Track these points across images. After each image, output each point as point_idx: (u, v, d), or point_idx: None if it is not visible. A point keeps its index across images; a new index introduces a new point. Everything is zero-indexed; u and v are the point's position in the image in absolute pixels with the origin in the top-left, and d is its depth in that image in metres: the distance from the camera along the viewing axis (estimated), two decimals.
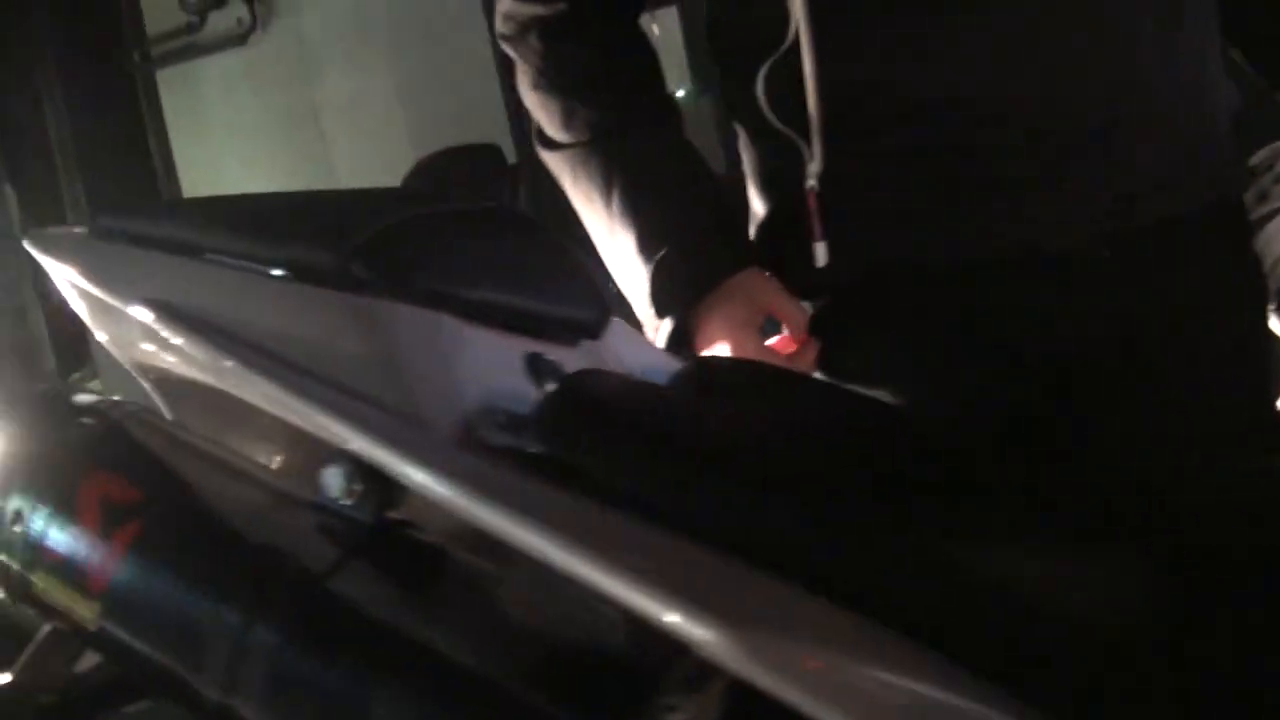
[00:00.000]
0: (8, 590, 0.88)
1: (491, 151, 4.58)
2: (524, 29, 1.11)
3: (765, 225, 1.15)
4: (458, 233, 0.90)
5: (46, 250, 1.04)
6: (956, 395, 1.05)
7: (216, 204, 1.03)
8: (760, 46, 1.07)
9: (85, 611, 0.83)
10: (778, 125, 1.09)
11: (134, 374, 1.05)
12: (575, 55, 1.10)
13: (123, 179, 4.65)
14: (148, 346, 0.92)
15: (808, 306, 1.12)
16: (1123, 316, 1.06)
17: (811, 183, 1.05)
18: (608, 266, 1.14)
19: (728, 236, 1.10)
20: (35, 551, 0.86)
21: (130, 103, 4.69)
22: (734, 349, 1.06)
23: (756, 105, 1.09)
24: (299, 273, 0.85)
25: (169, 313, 0.87)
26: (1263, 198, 1.15)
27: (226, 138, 4.98)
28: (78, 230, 1.06)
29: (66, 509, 0.85)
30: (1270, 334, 1.14)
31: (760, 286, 1.08)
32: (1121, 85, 1.03)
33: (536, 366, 0.90)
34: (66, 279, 1.01)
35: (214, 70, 4.91)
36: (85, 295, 1.01)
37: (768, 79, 1.08)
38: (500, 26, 1.16)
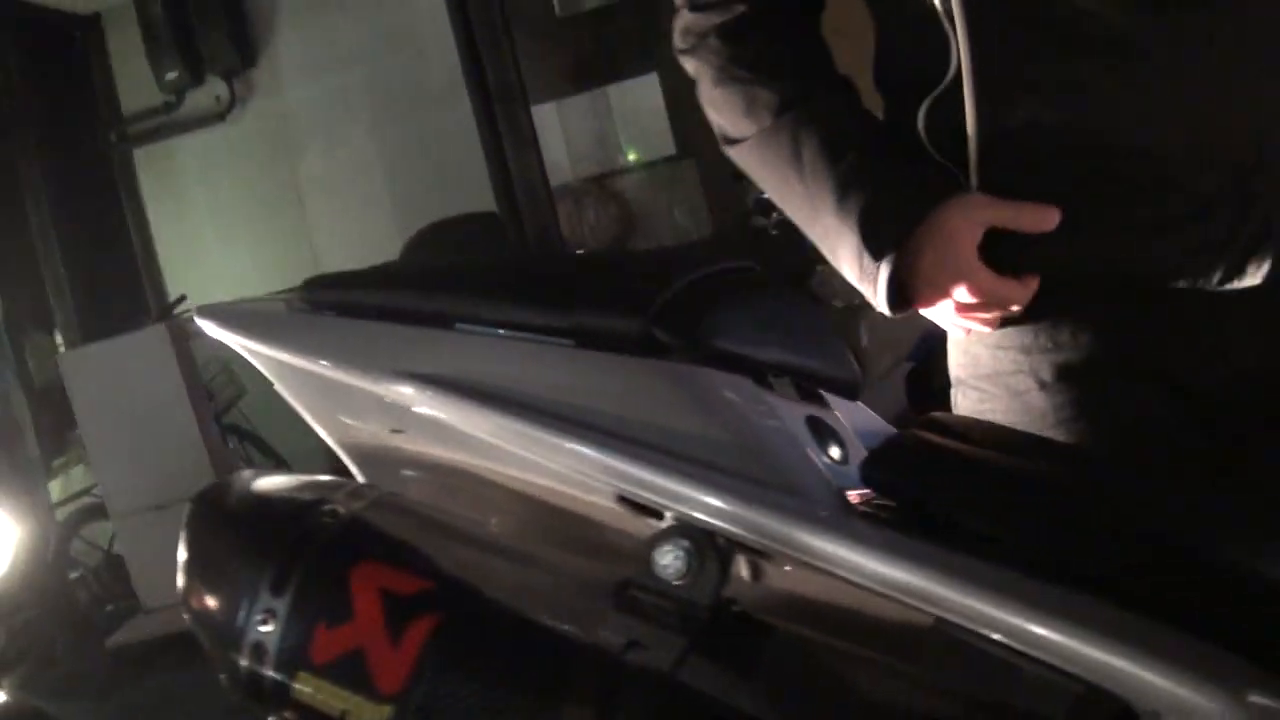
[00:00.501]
0: (259, 700, 0.79)
1: (491, 219, 4.54)
2: (703, 36, 1.14)
3: None
4: (736, 293, 0.85)
5: (232, 326, 0.96)
6: (1116, 413, 1.05)
7: (441, 271, 0.96)
8: (923, 83, 1.06)
9: (372, 715, 0.75)
10: (937, 158, 1.08)
11: (343, 454, 0.98)
12: (754, 47, 1.12)
13: (103, 259, 4.52)
14: (410, 422, 0.85)
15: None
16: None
17: None
18: (814, 243, 1.12)
19: (925, 170, 1.06)
20: (298, 654, 0.77)
21: (107, 182, 4.58)
22: (963, 277, 1.02)
23: (918, 138, 1.08)
24: (588, 339, 0.79)
25: (446, 386, 0.80)
26: None
27: (206, 216, 4.87)
28: (268, 304, 0.98)
29: (339, 606, 0.77)
30: None
31: (974, 202, 1.02)
32: (1264, 133, 1.02)
33: (818, 429, 0.85)
34: (272, 354, 0.94)
35: (193, 148, 4.82)
36: (293, 371, 0.93)
37: (929, 114, 1.06)
38: (679, 42, 1.18)
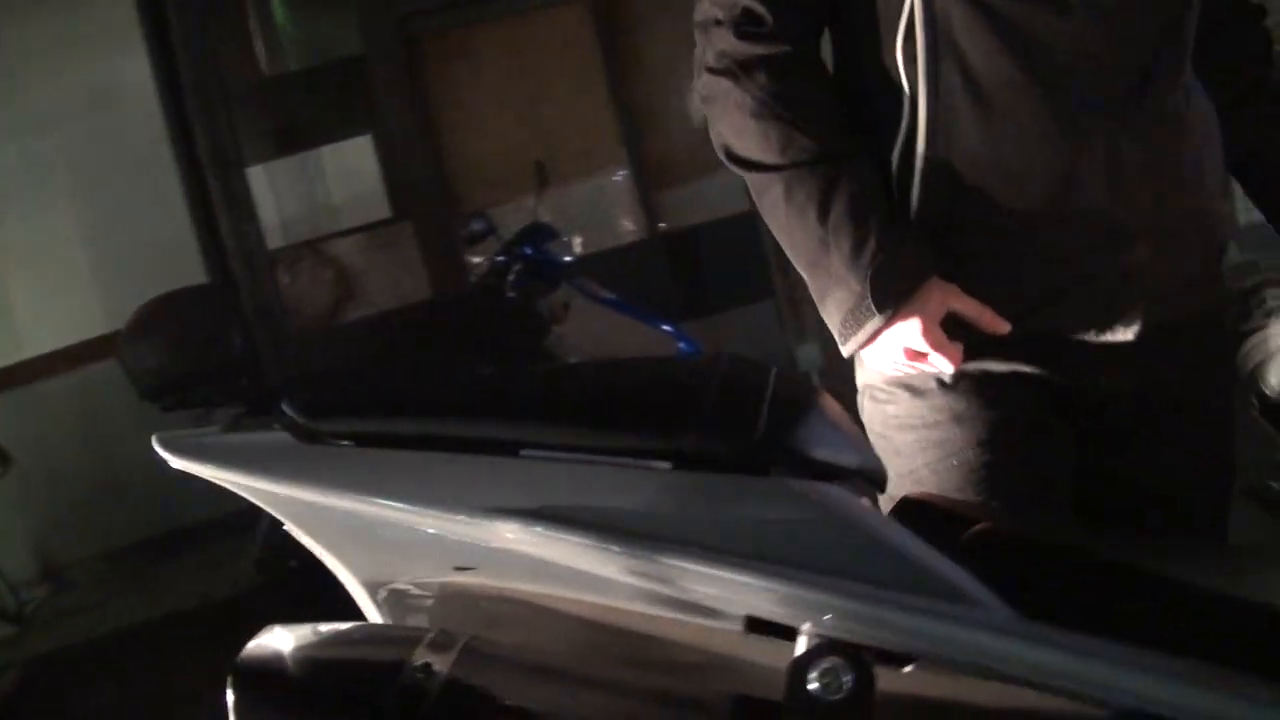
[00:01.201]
0: None
1: (215, 291, 4.25)
2: (745, 65, 1.22)
3: None
4: (806, 400, 0.86)
5: (222, 462, 0.86)
6: (1005, 412, 1.23)
7: (470, 394, 0.89)
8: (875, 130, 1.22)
9: None
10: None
11: (363, 592, 0.89)
12: (798, 89, 1.22)
13: None
14: (485, 559, 0.80)
15: None
16: (1142, 379, 1.27)
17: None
18: (804, 277, 1.24)
19: (924, 246, 1.21)
20: None
21: None
22: (928, 338, 1.18)
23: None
24: (683, 462, 0.78)
25: (556, 522, 0.76)
26: (1245, 317, 1.38)
27: None
28: (259, 435, 0.88)
29: None
30: (1233, 421, 1.36)
31: (954, 289, 1.19)
32: (1166, 207, 1.20)
33: None
34: (294, 494, 0.85)
35: None
36: (314, 510, 0.85)
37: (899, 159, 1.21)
38: (714, 61, 1.24)
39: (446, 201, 5.31)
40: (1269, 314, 1.35)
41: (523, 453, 0.81)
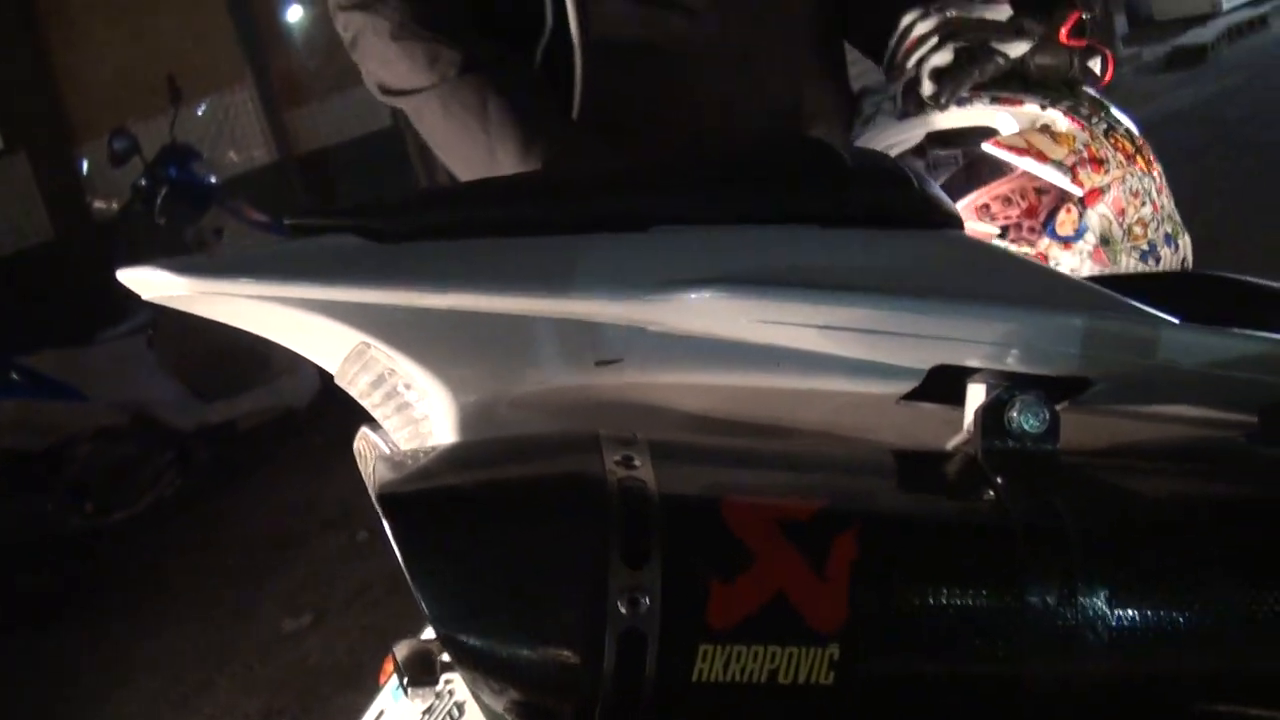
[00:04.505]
0: (630, 715, 0.62)
1: None
2: None
3: None
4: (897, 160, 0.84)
5: (294, 275, 0.72)
6: None
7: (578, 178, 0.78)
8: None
9: (812, 663, 0.63)
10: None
11: (455, 412, 0.76)
12: (435, 6, 1.20)
13: None
14: (636, 346, 0.72)
15: None
16: None
17: None
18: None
19: (590, 134, 1.22)
20: (692, 626, 0.62)
21: None
22: None
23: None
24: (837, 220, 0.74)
25: (751, 286, 0.70)
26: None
27: None
28: (326, 238, 0.73)
29: (729, 554, 0.63)
30: None
31: None
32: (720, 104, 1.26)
33: None
34: (389, 299, 0.72)
35: None
36: (410, 319, 0.72)
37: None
38: None
39: (64, 130, 4.69)
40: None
41: (656, 229, 0.74)
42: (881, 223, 0.75)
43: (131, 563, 3.54)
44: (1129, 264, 1.08)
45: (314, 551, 3.26)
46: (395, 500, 0.65)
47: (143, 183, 4.04)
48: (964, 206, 1.08)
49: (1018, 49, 1.14)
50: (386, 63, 1.21)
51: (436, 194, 0.85)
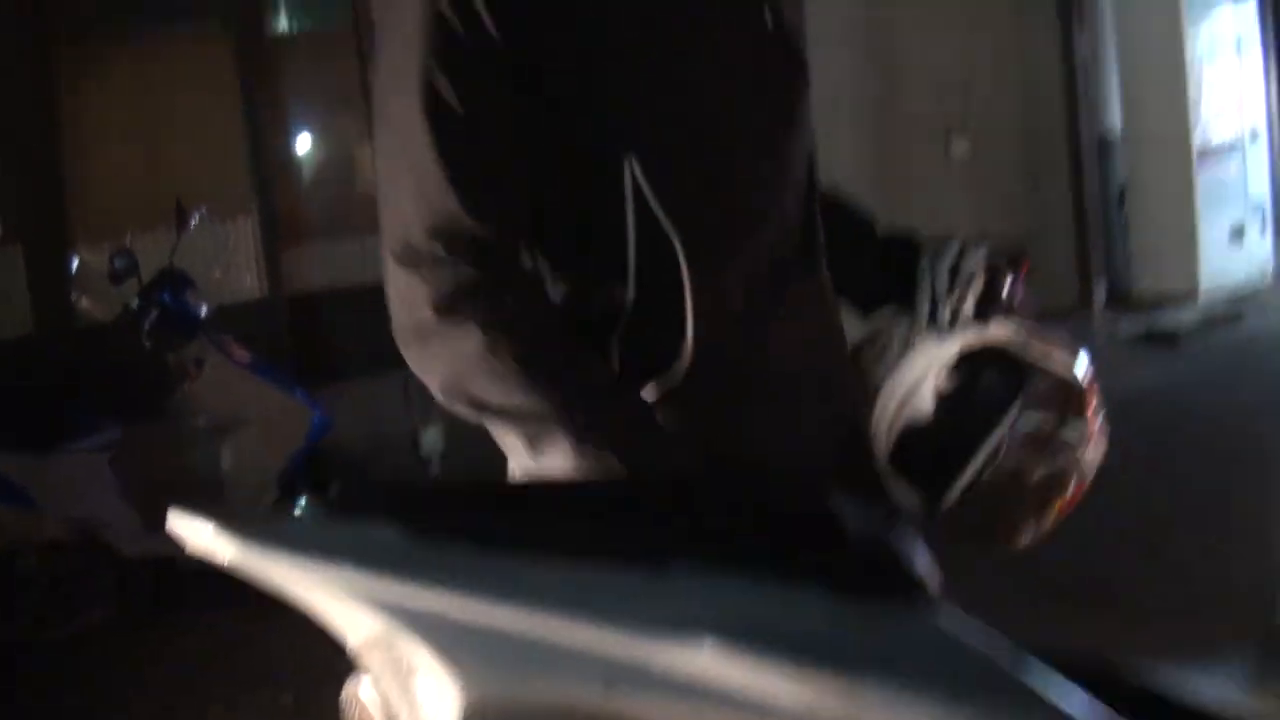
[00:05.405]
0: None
1: None
2: (490, 303, 1.06)
3: None
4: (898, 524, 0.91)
5: (336, 557, 0.76)
6: None
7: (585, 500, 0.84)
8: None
9: None
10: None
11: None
12: (539, 318, 1.11)
13: None
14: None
15: None
16: None
17: None
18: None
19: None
20: None
21: None
22: None
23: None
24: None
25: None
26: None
27: None
28: (368, 527, 0.78)
29: None
30: None
31: None
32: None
33: None
34: (411, 596, 0.76)
35: None
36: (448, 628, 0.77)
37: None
38: (442, 300, 1.05)
39: (63, 230, 4.76)
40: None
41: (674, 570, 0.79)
42: (868, 591, 0.80)
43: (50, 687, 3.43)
44: None
45: (240, 714, 3.17)
46: None
47: (135, 304, 4.09)
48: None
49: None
50: (488, 378, 1.03)
51: (481, 491, 0.89)
